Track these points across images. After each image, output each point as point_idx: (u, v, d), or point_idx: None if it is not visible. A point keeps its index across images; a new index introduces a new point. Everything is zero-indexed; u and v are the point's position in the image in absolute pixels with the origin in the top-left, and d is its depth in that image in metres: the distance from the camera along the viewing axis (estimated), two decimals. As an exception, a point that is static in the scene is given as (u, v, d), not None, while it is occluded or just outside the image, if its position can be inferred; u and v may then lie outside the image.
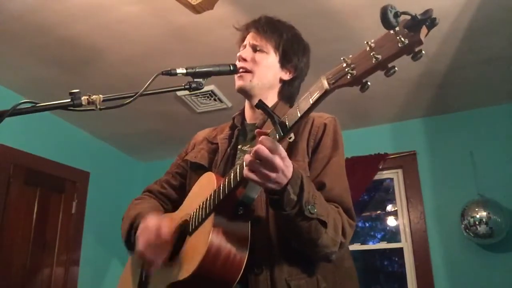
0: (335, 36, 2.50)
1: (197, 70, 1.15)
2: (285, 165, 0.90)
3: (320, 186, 1.10)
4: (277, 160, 0.88)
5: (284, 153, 0.90)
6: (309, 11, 2.28)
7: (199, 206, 1.10)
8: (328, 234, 0.99)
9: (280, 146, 0.89)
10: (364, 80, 0.77)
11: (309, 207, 0.94)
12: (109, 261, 3.98)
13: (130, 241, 1.25)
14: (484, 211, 2.96)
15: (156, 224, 1.13)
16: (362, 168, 3.46)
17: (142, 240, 1.12)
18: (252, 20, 1.35)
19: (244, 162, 0.91)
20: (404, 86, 3.10)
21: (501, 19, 2.36)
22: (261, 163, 0.88)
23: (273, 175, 0.89)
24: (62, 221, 3.45)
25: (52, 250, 3.35)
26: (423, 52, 0.71)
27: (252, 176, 0.90)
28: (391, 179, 3.74)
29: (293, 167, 0.93)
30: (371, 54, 0.74)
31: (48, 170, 3.37)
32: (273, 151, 0.87)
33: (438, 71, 2.90)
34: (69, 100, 0.97)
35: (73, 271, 3.49)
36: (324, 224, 0.98)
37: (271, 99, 1.29)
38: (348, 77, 0.77)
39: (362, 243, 3.87)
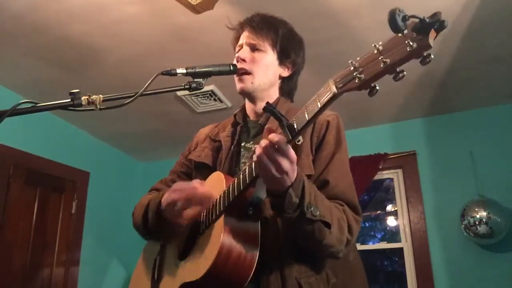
0: (335, 36, 2.50)
1: (197, 70, 1.14)
2: (292, 169, 0.90)
3: (324, 184, 1.09)
4: (285, 162, 0.88)
5: (294, 157, 0.90)
6: (309, 11, 2.28)
7: (210, 206, 1.10)
8: (333, 234, 0.99)
9: (290, 149, 0.89)
10: (372, 84, 0.76)
11: (311, 209, 0.94)
12: (109, 261, 3.98)
13: (147, 224, 1.23)
14: (484, 211, 2.97)
15: (187, 182, 1.13)
16: (362, 168, 3.46)
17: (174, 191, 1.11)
18: (245, 18, 1.34)
19: (256, 153, 0.91)
20: (404, 86, 3.10)
21: (501, 19, 2.36)
22: (273, 155, 0.88)
23: (277, 175, 0.89)
24: (62, 221, 3.45)
25: (52, 250, 3.34)
26: (432, 56, 0.70)
27: (262, 166, 0.90)
28: (391, 179, 3.74)
29: (297, 170, 0.93)
30: (379, 58, 0.73)
31: (48, 170, 3.36)
32: (283, 153, 0.87)
33: (438, 71, 2.90)
34: (69, 100, 0.97)
35: (73, 271, 3.49)
36: (327, 225, 0.97)
37: (272, 96, 1.30)
38: (356, 81, 0.76)
39: (362, 243, 3.87)
